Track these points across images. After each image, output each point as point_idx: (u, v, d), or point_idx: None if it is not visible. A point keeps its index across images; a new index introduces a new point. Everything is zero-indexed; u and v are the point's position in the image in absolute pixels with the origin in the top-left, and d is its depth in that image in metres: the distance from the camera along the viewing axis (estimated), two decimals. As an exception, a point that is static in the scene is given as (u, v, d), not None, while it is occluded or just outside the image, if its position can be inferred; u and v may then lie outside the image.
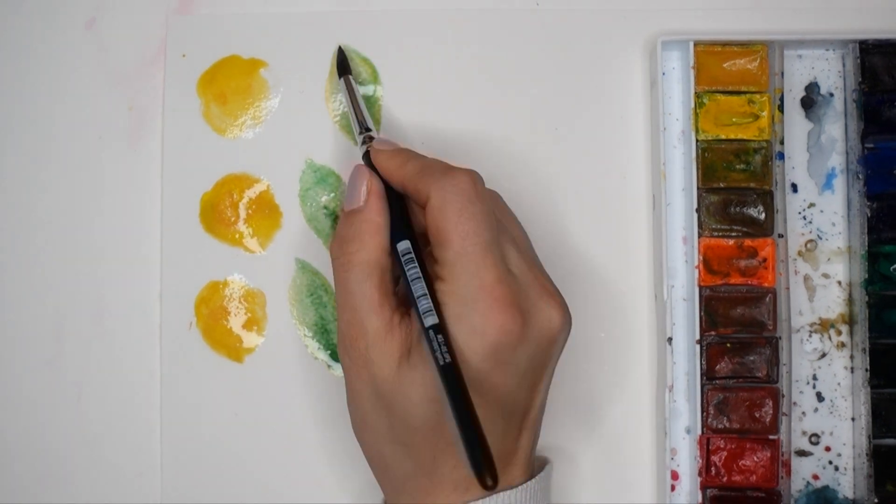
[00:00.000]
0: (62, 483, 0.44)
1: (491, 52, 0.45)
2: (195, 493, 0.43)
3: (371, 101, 0.45)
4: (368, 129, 0.40)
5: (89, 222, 0.44)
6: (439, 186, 0.34)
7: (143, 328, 0.44)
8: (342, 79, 0.43)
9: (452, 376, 0.32)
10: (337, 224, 0.36)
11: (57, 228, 0.44)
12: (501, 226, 0.35)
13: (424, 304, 0.33)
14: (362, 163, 0.38)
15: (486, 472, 0.30)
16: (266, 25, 0.45)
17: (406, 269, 0.34)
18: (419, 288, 0.34)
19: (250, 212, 0.44)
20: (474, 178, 0.35)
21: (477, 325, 0.33)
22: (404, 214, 0.36)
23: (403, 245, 0.35)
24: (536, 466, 0.37)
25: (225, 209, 0.44)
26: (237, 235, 0.44)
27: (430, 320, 0.33)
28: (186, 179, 0.44)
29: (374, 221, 0.35)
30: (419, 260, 0.35)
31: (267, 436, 0.43)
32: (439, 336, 0.33)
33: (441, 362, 0.32)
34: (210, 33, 0.45)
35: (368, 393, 0.34)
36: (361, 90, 0.45)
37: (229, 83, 0.45)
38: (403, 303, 0.36)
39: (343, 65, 0.43)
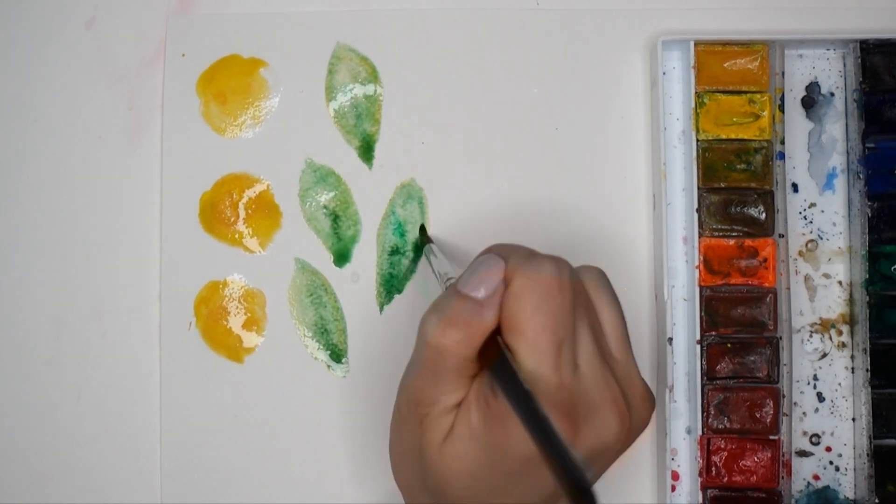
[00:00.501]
0: (62, 483, 0.44)
1: (491, 52, 0.45)
2: (195, 493, 0.43)
3: (371, 100, 0.45)
4: (450, 277, 0.38)
5: (89, 222, 0.44)
6: (523, 272, 0.32)
7: (142, 328, 0.44)
8: (426, 248, 0.42)
9: (539, 411, 0.30)
10: (443, 297, 0.33)
11: (56, 228, 0.44)
12: (583, 319, 0.33)
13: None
14: (497, 254, 0.35)
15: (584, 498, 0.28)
16: (266, 25, 0.45)
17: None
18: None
19: (250, 212, 0.44)
20: (560, 267, 0.32)
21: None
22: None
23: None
24: None
25: (224, 209, 0.44)
26: (237, 235, 0.44)
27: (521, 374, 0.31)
28: (186, 179, 0.44)
29: (486, 322, 0.32)
30: None
31: (266, 436, 0.43)
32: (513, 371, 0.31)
33: (525, 386, 0.30)
34: (210, 33, 0.45)
35: (412, 452, 0.34)
36: (361, 90, 0.45)
37: (229, 83, 0.45)
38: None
39: (423, 238, 0.44)
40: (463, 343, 0.32)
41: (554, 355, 0.31)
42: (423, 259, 0.44)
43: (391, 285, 0.44)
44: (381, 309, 0.44)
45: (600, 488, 0.44)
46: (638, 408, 0.33)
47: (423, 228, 0.44)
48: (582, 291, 0.33)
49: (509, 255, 0.33)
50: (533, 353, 0.31)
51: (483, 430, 0.32)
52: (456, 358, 0.32)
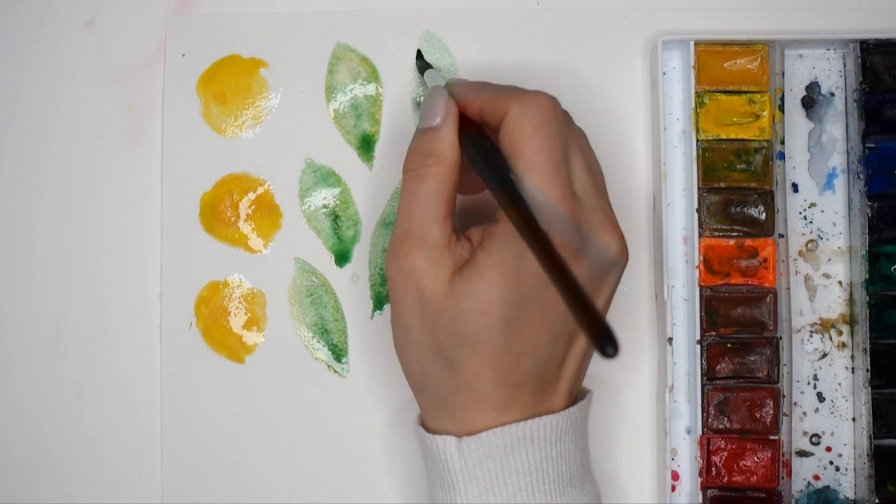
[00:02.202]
0: (62, 483, 0.44)
1: (491, 52, 0.45)
2: (195, 493, 0.43)
3: (371, 100, 0.45)
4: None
5: (89, 222, 0.44)
6: (521, 102, 0.35)
7: (143, 328, 0.44)
8: (427, 72, 0.43)
9: (550, 245, 0.30)
10: (413, 141, 0.37)
11: (57, 228, 0.44)
12: (576, 150, 0.36)
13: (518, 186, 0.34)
14: (436, 85, 0.39)
15: (607, 340, 0.28)
16: (266, 25, 0.45)
17: (490, 156, 0.35)
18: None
19: (250, 212, 0.44)
20: (554, 100, 0.35)
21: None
22: (482, 132, 0.37)
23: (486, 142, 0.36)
24: (578, 396, 0.37)
25: (225, 209, 0.44)
26: (237, 235, 0.44)
27: (524, 195, 0.33)
28: (186, 179, 0.44)
29: (450, 140, 0.36)
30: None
31: (267, 436, 0.43)
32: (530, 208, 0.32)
33: (540, 226, 0.31)
34: (210, 33, 0.45)
35: (414, 304, 0.35)
36: (361, 90, 0.45)
37: (229, 83, 0.45)
38: (457, 230, 0.36)
39: (423, 62, 0.44)
40: (441, 165, 0.35)
41: (553, 171, 0.34)
42: (425, 79, 0.43)
43: (391, 285, 0.44)
44: (382, 309, 0.44)
45: (601, 482, 0.44)
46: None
47: (419, 53, 0.44)
48: (572, 127, 0.37)
49: (506, 90, 0.36)
50: (532, 171, 0.34)
51: (491, 261, 0.33)
52: (437, 178, 0.35)
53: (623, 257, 0.36)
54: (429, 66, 0.43)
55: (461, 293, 0.34)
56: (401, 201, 0.36)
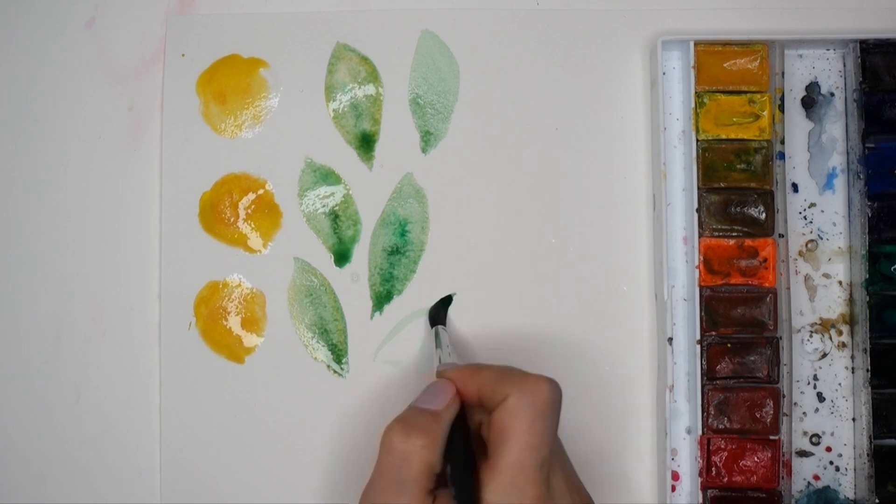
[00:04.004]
0: (62, 483, 0.44)
1: (491, 52, 0.45)
2: (194, 493, 0.43)
3: (371, 100, 0.45)
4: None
5: (89, 222, 0.44)
6: (520, 389, 0.34)
7: (142, 328, 0.44)
8: (434, 329, 0.43)
9: None
10: (403, 414, 0.35)
11: (56, 228, 0.44)
12: (558, 441, 0.35)
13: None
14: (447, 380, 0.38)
15: None
16: (266, 25, 0.45)
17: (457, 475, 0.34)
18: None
19: (250, 211, 0.44)
20: (554, 389, 0.34)
21: None
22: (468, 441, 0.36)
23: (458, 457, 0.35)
24: None
25: (224, 209, 0.44)
26: (236, 235, 0.44)
27: None
28: (186, 179, 0.44)
29: (444, 429, 0.35)
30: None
31: (266, 436, 0.43)
32: None
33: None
34: (209, 33, 0.45)
35: None
36: (361, 90, 0.45)
37: (228, 82, 0.45)
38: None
39: (439, 317, 0.44)
40: (426, 447, 0.34)
41: (536, 472, 0.33)
42: (432, 333, 0.43)
43: (391, 285, 0.44)
44: (382, 309, 0.44)
45: (601, 482, 0.44)
46: None
47: (447, 300, 0.44)
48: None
49: (505, 375, 0.35)
50: (513, 468, 0.33)
51: None
52: (420, 463, 0.34)
53: None
54: (443, 322, 0.43)
55: None
56: (381, 472, 0.35)
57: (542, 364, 0.42)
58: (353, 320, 0.44)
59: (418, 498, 0.34)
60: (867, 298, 0.42)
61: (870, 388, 0.41)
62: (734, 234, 0.42)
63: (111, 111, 0.45)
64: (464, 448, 0.35)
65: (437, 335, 0.41)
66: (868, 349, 0.42)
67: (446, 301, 0.44)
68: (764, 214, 0.42)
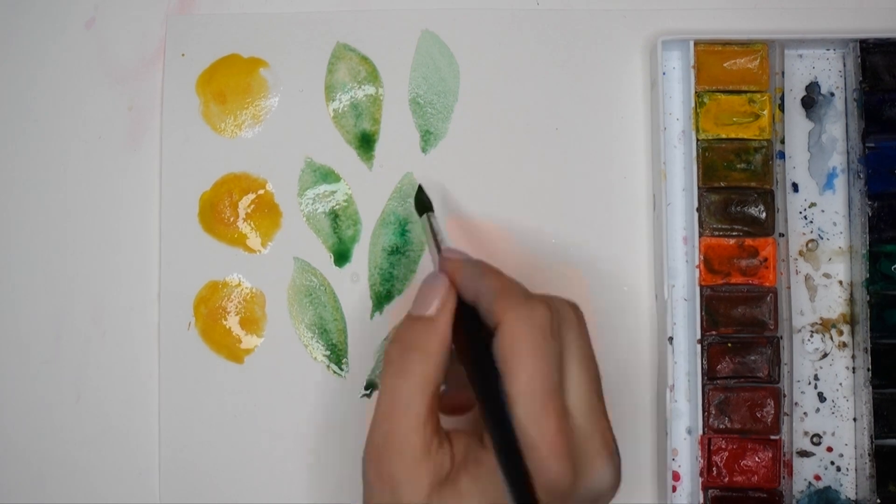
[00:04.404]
0: (61, 483, 0.43)
1: (491, 52, 0.45)
2: (194, 493, 0.43)
3: (371, 100, 0.45)
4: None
5: (89, 222, 0.44)
6: (515, 315, 0.32)
7: (141, 328, 0.44)
8: (423, 217, 0.40)
9: (520, 459, 0.30)
10: (400, 326, 0.34)
11: (56, 228, 0.44)
12: (574, 364, 0.33)
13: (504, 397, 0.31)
14: (441, 272, 0.35)
15: None
16: (266, 25, 0.45)
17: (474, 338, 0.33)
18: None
19: (249, 211, 0.44)
20: (552, 311, 0.32)
21: (529, 468, 0.31)
22: (476, 318, 0.34)
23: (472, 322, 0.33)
24: None
25: (224, 209, 0.44)
26: (236, 235, 0.44)
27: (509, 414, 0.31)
28: (185, 179, 0.44)
29: (440, 335, 0.33)
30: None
31: (265, 436, 0.43)
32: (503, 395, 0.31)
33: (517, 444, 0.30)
34: (209, 33, 0.45)
35: None
36: (361, 90, 0.45)
37: (228, 82, 0.45)
38: (441, 430, 0.34)
39: (424, 204, 0.41)
40: (423, 361, 0.32)
41: (548, 400, 0.31)
42: (425, 232, 0.41)
43: (391, 285, 0.44)
44: (382, 309, 0.44)
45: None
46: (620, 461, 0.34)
47: (420, 189, 0.42)
48: (585, 335, 0.34)
49: (503, 293, 0.33)
50: (526, 399, 0.31)
51: (475, 488, 0.31)
52: (418, 377, 0.32)
53: (615, 485, 0.33)
54: (430, 207, 0.41)
55: None
56: (380, 397, 0.33)
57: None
58: (353, 320, 0.44)
59: (421, 415, 0.32)
60: (868, 298, 0.42)
61: (871, 388, 0.41)
62: (734, 233, 0.42)
63: (111, 111, 0.45)
64: (476, 352, 0.32)
65: (429, 223, 0.39)
66: (869, 349, 0.42)
67: (421, 189, 0.42)
68: (764, 214, 0.42)
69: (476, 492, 0.31)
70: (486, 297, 0.33)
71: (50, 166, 0.45)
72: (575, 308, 0.34)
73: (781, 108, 0.43)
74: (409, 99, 0.45)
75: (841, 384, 0.43)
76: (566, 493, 0.31)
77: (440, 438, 0.33)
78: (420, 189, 0.42)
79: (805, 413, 0.43)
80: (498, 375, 0.31)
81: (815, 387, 0.43)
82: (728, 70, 0.43)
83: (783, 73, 0.43)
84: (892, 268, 0.42)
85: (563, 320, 0.33)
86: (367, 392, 0.44)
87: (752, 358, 0.42)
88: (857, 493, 0.42)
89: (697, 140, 0.42)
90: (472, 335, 0.33)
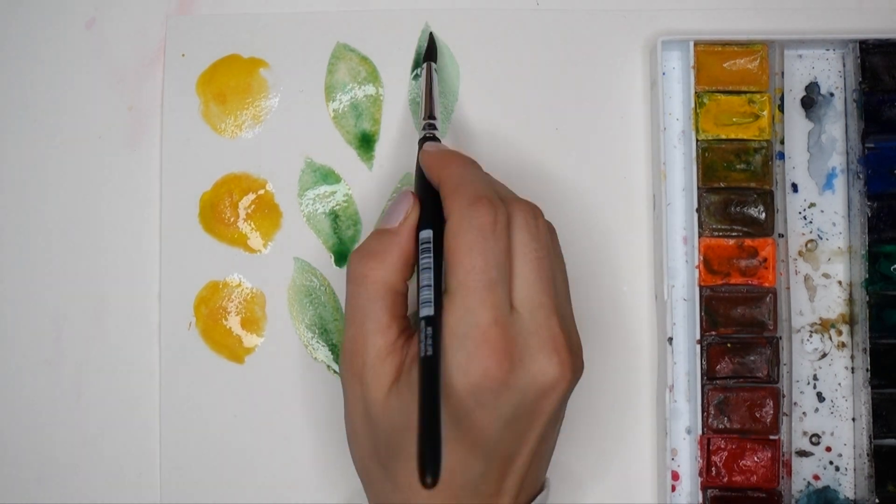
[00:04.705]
0: (61, 483, 0.44)
1: (491, 52, 0.45)
2: (195, 493, 0.43)
3: (371, 100, 0.45)
4: (433, 118, 0.40)
5: (89, 222, 0.44)
6: (460, 214, 0.34)
7: (142, 328, 0.44)
8: (425, 64, 0.42)
9: (430, 369, 0.31)
10: (365, 239, 0.36)
11: (56, 228, 0.44)
12: (526, 262, 0.34)
13: (426, 294, 0.33)
14: (410, 189, 0.38)
15: (428, 469, 0.29)
16: (266, 25, 0.45)
17: (421, 257, 0.34)
18: (426, 278, 0.33)
19: (250, 211, 0.44)
20: (497, 216, 0.34)
21: (462, 362, 0.32)
22: (438, 209, 0.35)
23: (425, 234, 0.35)
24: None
25: (224, 209, 0.44)
26: (237, 235, 0.44)
27: (426, 311, 0.32)
28: (186, 179, 0.44)
29: (401, 245, 0.35)
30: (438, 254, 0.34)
31: (266, 436, 0.43)
32: (429, 328, 0.32)
33: (422, 353, 0.31)
34: (209, 33, 0.45)
35: (360, 409, 0.34)
36: (361, 90, 0.45)
37: (228, 82, 0.45)
38: (409, 328, 0.35)
39: (431, 51, 0.43)
40: (381, 268, 0.34)
41: (487, 293, 0.32)
42: (422, 80, 0.42)
43: (391, 285, 0.44)
44: (381, 309, 0.44)
45: (601, 483, 0.44)
46: (575, 357, 0.34)
47: (431, 39, 0.44)
48: (544, 239, 0.35)
49: (458, 190, 0.34)
50: (462, 290, 0.33)
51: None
52: (376, 284, 0.34)
53: (563, 381, 0.33)
54: (434, 57, 0.43)
55: (395, 408, 0.33)
56: (346, 302, 0.35)
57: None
58: (353, 320, 0.44)
59: (382, 320, 0.34)
60: (867, 298, 0.42)
61: (870, 388, 0.41)
62: (734, 233, 0.42)
63: (111, 111, 0.45)
64: (433, 260, 0.34)
65: (428, 75, 0.41)
66: (868, 349, 0.42)
67: (432, 37, 0.44)
68: (764, 214, 0.42)
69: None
70: (443, 190, 0.35)
71: (50, 166, 0.45)
72: (533, 211, 0.35)
73: (781, 108, 0.43)
74: (409, 99, 0.45)
75: (840, 384, 0.43)
76: (499, 387, 0.32)
77: (408, 335, 0.35)
78: (431, 36, 0.44)
79: (804, 413, 0.43)
80: (440, 266, 0.34)
81: (815, 387, 0.43)
82: (728, 70, 0.43)
83: (783, 73, 0.43)
84: (892, 268, 0.42)
85: (514, 222, 0.34)
86: None
87: (752, 358, 0.42)
88: (855, 493, 0.42)
89: (697, 140, 0.42)
90: (427, 224, 0.35)
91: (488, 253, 0.33)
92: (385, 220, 0.36)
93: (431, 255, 0.34)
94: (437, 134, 0.40)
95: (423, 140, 0.40)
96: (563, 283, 0.36)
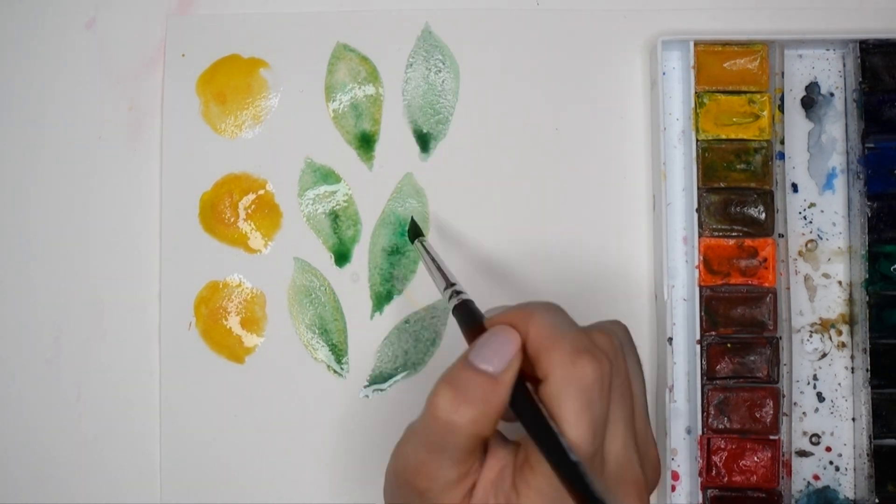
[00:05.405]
0: (61, 483, 0.44)
1: (491, 52, 0.45)
2: (195, 493, 0.43)
3: (371, 100, 0.45)
4: (453, 284, 0.36)
5: (89, 222, 0.44)
6: (562, 374, 0.30)
7: (142, 328, 0.44)
8: (417, 243, 0.41)
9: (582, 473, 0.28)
10: (455, 369, 0.31)
11: (56, 228, 0.44)
12: (621, 393, 0.31)
13: (566, 442, 0.29)
14: (506, 326, 0.32)
15: None
16: (266, 25, 0.45)
17: (521, 413, 0.30)
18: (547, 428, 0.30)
19: (250, 211, 0.44)
20: (603, 370, 0.30)
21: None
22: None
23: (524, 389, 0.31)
24: None
25: (224, 209, 0.44)
26: (237, 235, 0.44)
27: (575, 457, 0.29)
28: (186, 179, 0.44)
29: (503, 398, 0.30)
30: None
31: (266, 436, 0.43)
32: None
33: (598, 495, 0.28)
34: (209, 33, 0.45)
35: None
36: (361, 90, 0.45)
37: (229, 83, 0.45)
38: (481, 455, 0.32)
39: (415, 231, 0.42)
40: (477, 422, 0.30)
41: (589, 461, 0.29)
42: (421, 257, 0.42)
43: (391, 285, 0.44)
44: (382, 309, 0.44)
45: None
46: (651, 477, 0.33)
47: (413, 222, 0.43)
48: (623, 368, 0.32)
49: (553, 344, 0.30)
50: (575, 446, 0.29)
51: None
52: (467, 437, 0.30)
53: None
54: (421, 234, 0.42)
55: None
56: (424, 430, 0.30)
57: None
58: (353, 320, 0.44)
59: (460, 461, 0.30)
60: (867, 298, 0.42)
61: (869, 388, 0.41)
62: (734, 234, 0.42)
63: (111, 111, 0.45)
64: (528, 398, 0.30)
65: (425, 250, 0.39)
66: (868, 349, 0.42)
67: (413, 223, 0.43)
68: (764, 214, 0.42)
69: None
70: (532, 344, 0.31)
71: (50, 166, 0.45)
72: (612, 344, 0.32)
73: (781, 108, 0.43)
74: (409, 99, 0.45)
75: (840, 384, 0.43)
76: None
77: (480, 463, 0.31)
78: (412, 220, 0.43)
79: (804, 413, 0.43)
80: (547, 419, 0.30)
81: (815, 387, 0.43)
82: (728, 70, 0.43)
83: (783, 73, 0.43)
84: (892, 268, 0.42)
85: (615, 369, 0.31)
86: (367, 391, 0.44)
87: (752, 358, 0.42)
88: (855, 493, 0.42)
89: (697, 140, 0.42)
90: (523, 392, 0.31)
91: (595, 421, 0.30)
92: (484, 356, 0.30)
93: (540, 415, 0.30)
94: (466, 295, 0.36)
95: (460, 306, 0.35)
96: (642, 391, 0.33)
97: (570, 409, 0.29)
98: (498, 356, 0.30)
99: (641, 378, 0.33)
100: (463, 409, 0.30)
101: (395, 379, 0.44)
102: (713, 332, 0.42)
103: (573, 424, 0.29)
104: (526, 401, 0.30)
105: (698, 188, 0.42)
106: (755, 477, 0.41)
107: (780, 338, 0.42)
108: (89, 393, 0.44)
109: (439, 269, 0.37)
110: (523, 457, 0.31)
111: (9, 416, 0.44)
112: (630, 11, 0.45)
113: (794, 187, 0.44)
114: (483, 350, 0.31)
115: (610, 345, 0.31)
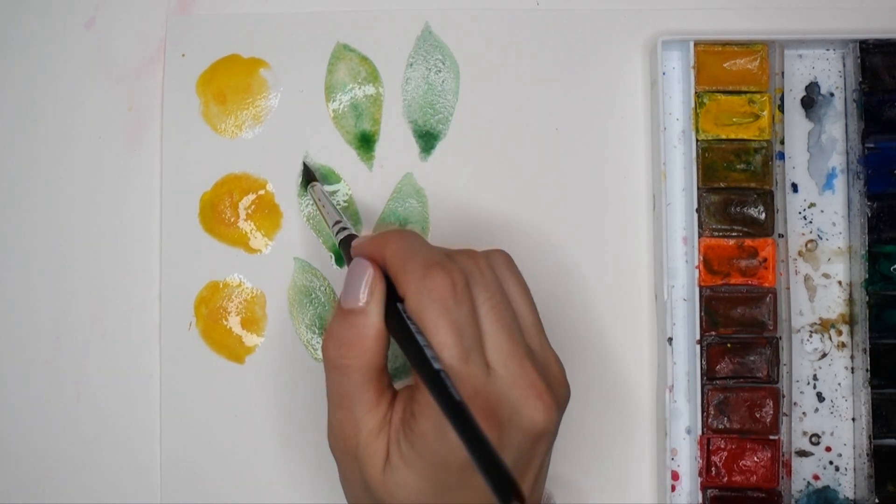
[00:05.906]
0: (62, 483, 0.44)
1: (491, 52, 0.45)
2: (195, 493, 0.43)
3: (371, 100, 0.45)
4: (339, 221, 0.39)
5: (88, 222, 0.44)
6: (416, 289, 0.32)
7: (142, 328, 0.44)
8: (310, 187, 0.43)
9: (465, 413, 0.29)
10: (332, 322, 0.34)
11: (56, 228, 0.44)
12: (488, 313, 0.33)
13: (430, 352, 0.31)
14: (361, 257, 0.35)
15: (514, 497, 0.28)
16: (266, 25, 0.45)
17: (409, 324, 0.33)
18: (423, 339, 0.32)
19: (250, 212, 0.44)
20: (454, 279, 0.32)
21: (452, 437, 0.31)
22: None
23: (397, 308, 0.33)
24: None
25: (224, 209, 0.44)
26: (237, 235, 0.44)
27: (438, 365, 0.31)
28: (186, 179, 0.44)
29: (375, 327, 0.33)
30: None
31: (267, 436, 0.43)
32: (448, 379, 0.30)
33: (457, 398, 0.30)
34: (209, 33, 0.45)
35: (359, 483, 0.34)
36: (361, 90, 0.45)
37: (229, 82, 0.45)
38: (394, 393, 0.34)
39: (309, 176, 0.43)
40: (360, 355, 0.33)
41: (460, 368, 0.31)
42: (315, 202, 0.42)
43: (391, 285, 0.44)
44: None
45: (601, 483, 0.44)
46: (558, 392, 0.34)
47: (305, 165, 0.44)
48: (493, 283, 0.34)
49: (406, 266, 0.33)
50: (442, 361, 0.31)
51: (413, 454, 0.32)
52: (361, 374, 0.33)
53: (551, 421, 0.33)
54: (314, 178, 0.43)
55: (392, 483, 0.32)
56: (328, 388, 0.34)
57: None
58: (353, 320, 0.44)
59: (371, 401, 0.33)
60: (867, 298, 0.42)
61: (869, 388, 0.41)
62: (734, 234, 0.42)
63: (111, 111, 0.45)
64: (402, 323, 0.32)
65: (318, 194, 0.41)
66: (868, 349, 0.42)
67: (305, 168, 0.44)
68: (764, 214, 0.42)
69: (416, 455, 0.32)
70: (390, 270, 0.33)
71: (50, 166, 0.45)
72: (474, 258, 0.34)
73: (781, 108, 0.43)
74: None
75: (840, 384, 0.43)
76: (497, 447, 0.31)
77: (393, 400, 0.34)
78: (304, 165, 0.44)
79: (804, 413, 0.43)
80: (414, 333, 0.32)
81: (814, 387, 0.43)
82: (728, 70, 0.43)
83: (783, 73, 0.43)
84: (892, 268, 0.42)
85: (472, 279, 0.33)
86: None
87: (752, 358, 0.42)
88: (855, 493, 0.42)
89: (697, 140, 0.42)
90: (396, 318, 0.33)
91: (454, 325, 0.32)
92: (347, 298, 0.33)
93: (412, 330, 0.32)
94: (351, 230, 0.39)
95: (343, 241, 0.38)
96: (528, 311, 0.35)
97: (429, 318, 0.31)
98: (358, 290, 0.33)
99: (527, 299, 0.35)
100: (345, 350, 0.33)
101: (394, 379, 0.44)
102: (713, 332, 0.42)
103: (433, 332, 0.31)
104: (396, 321, 0.32)
105: (698, 188, 0.42)
106: (755, 477, 0.41)
107: (780, 338, 0.42)
108: (89, 393, 0.44)
109: (330, 210, 0.40)
110: (415, 387, 0.33)
111: (9, 417, 0.44)
112: (630, 11, 0.45)
113: (794, 187, 0.44)
114: (346, 291, 0.33)
115: (469, 260, 0.34)
